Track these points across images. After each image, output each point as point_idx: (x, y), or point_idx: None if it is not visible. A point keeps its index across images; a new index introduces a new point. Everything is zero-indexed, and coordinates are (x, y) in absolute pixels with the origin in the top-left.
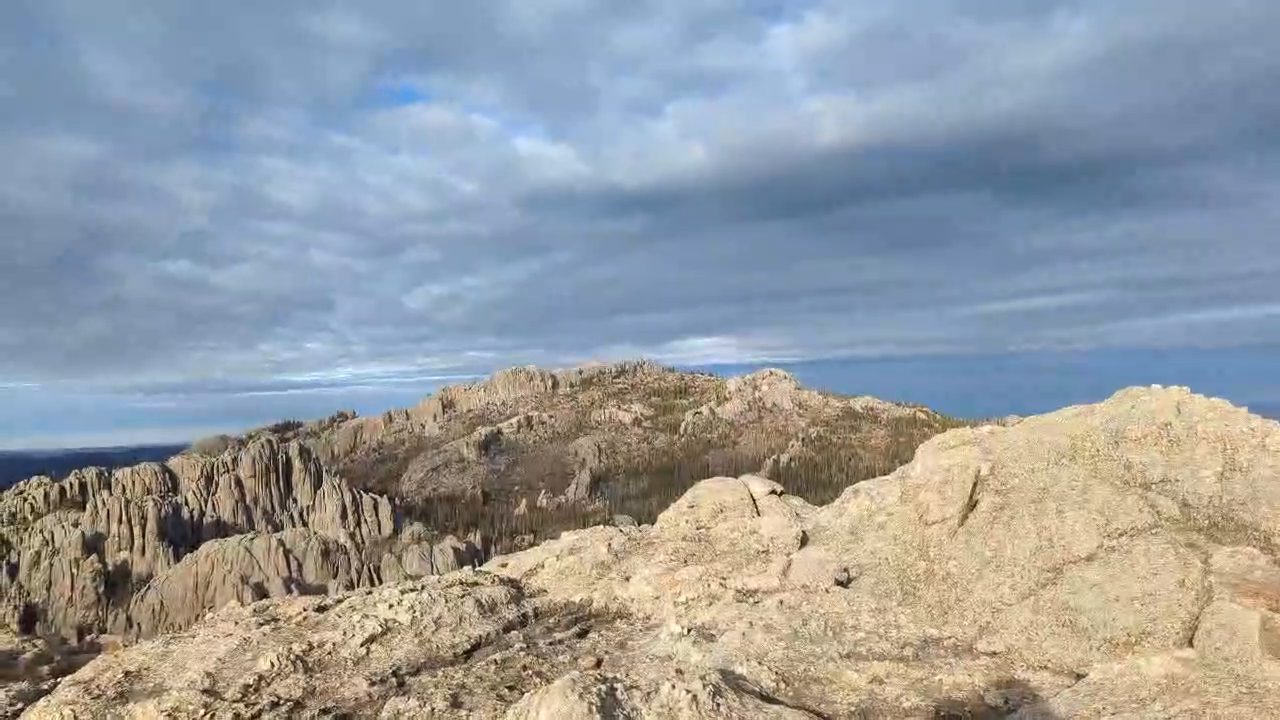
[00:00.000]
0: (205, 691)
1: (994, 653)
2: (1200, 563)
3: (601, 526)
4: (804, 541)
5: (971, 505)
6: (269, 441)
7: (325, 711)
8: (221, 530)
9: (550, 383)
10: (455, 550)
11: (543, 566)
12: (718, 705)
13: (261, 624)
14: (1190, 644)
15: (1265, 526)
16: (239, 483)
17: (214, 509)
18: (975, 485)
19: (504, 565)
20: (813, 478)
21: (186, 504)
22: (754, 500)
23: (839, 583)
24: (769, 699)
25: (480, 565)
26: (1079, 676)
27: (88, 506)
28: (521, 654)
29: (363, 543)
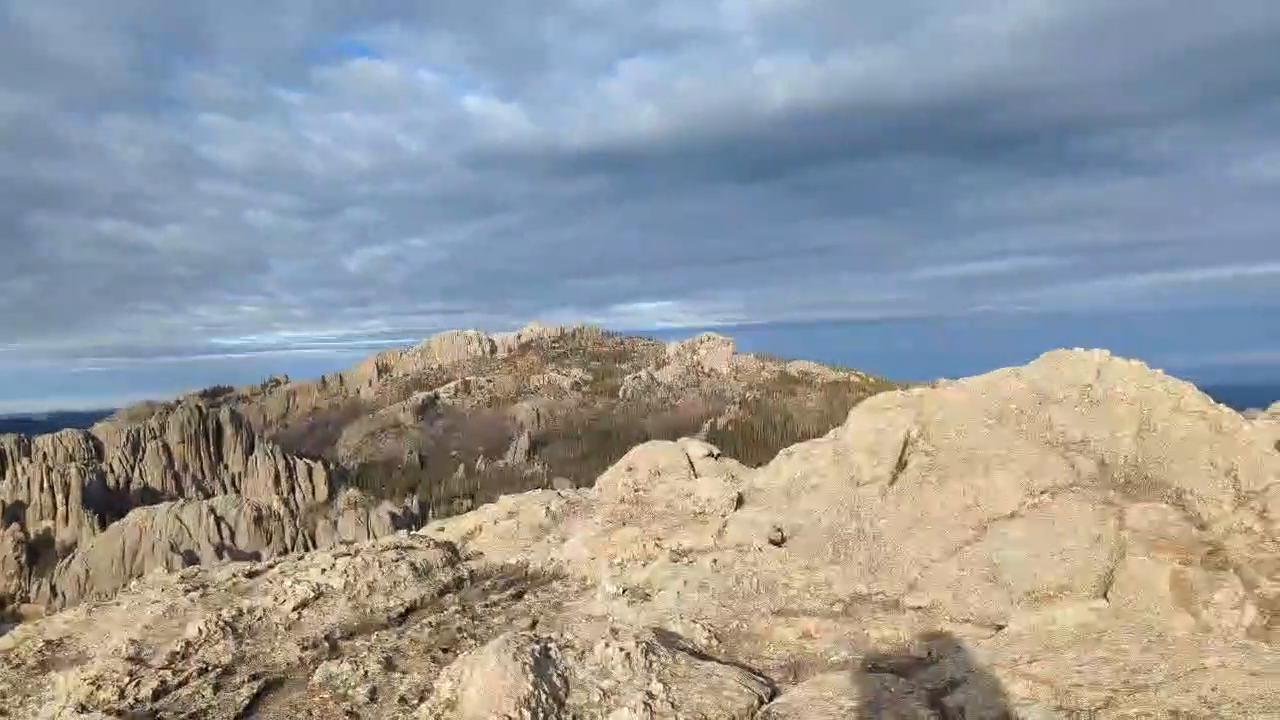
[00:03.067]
0: (130, 659)
1: (920, 607)
2: (1116, 519)
3: (540, 490)
4: (739, 503)
5: (901, 466)
6: (198, 407)
7: (255, 677)
8: (149, 498)
9: (489, 347)
10: (392, 515)
11: (480, 530)
12: (650, 662)
13: (189, 590)
14: (1105, 596)
15: (1177, 484)
16: (167, 449)
17: (141, 476)
18: (905, 446)
19: (441, 529)
20: (749, 440)
21: (112, 471)
22: (691, 463)
23: (773, 542)
24: (702, 655)
25: (417, 530)
26: (1000, 628)
27: (7, 474)
28: (457, 616)
29: (297, 509)
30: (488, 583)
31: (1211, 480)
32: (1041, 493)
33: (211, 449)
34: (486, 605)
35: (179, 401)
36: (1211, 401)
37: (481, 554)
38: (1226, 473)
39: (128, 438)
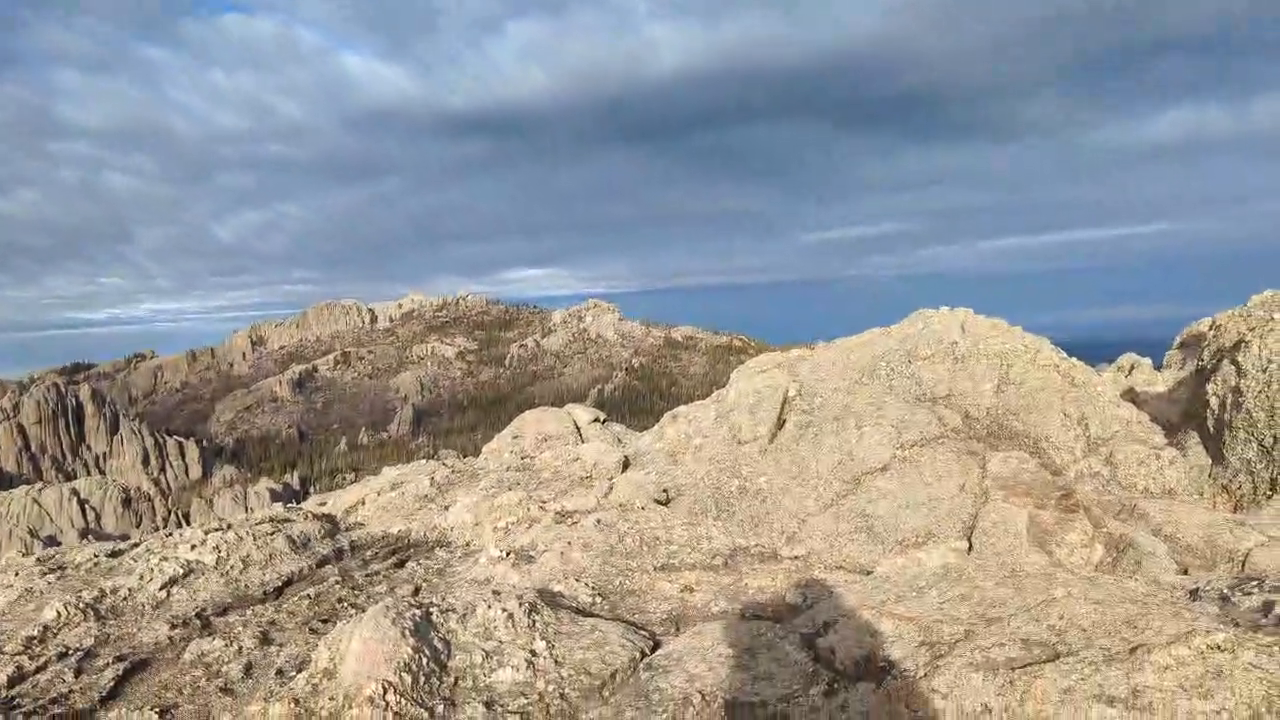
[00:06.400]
0: None
1: (797, 557)
2: (979, 468)
3: (425, 461)
4: (626, 466)
5: (780, 424)
6: (56, 385)
7: (120, 658)
8: (3, 483)
9: (369, 317)
10: (272, 492)
11: (363, 503)
12: (534, 622)
13: (46, 573)
14: (969, 540)
15: (1034, 433)
16: (21, 429)
17: None
18: (784, 405)
19: (322, 504)
20: (635, 405)
21: None
22: (578, 428)
23: (659, 503)
24: (585, 613)
25: (298, 505)
26: (870, 574)
27: None
28: (336, 587)
29: (169, 489)
30: (369, 552)
31: (1065, 429)
32: (910, 445)
33: (72, 429)
34: (367, 574)
35: (33, 379)
36: (1065, 355)
37: (363, 525)
38: (1078, 421)
39: None
